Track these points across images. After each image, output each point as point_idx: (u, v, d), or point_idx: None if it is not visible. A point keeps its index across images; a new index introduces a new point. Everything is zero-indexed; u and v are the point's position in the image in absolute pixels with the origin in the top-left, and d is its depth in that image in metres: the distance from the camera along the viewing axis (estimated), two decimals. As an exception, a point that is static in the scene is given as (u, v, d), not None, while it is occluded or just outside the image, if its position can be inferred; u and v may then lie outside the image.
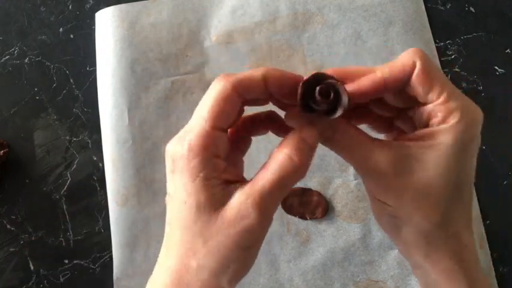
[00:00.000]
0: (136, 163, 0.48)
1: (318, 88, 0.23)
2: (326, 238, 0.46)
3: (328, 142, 0.25)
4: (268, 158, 0.24)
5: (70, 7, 0.55)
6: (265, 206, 0.23)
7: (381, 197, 0.25)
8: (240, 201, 0.23)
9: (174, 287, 0.24)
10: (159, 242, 0.46)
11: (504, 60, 0.50)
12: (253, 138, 0.29)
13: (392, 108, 0.27)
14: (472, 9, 0.52)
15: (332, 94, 0.23)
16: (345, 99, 0.23)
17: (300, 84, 0.23)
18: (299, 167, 0.23)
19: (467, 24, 0.52)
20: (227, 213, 0.23)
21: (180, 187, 0.24)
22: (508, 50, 0.51)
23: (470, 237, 0.26)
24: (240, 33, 0.51)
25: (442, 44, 0.50)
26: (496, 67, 0.50)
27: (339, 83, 0.23)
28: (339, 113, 0.23)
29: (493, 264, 0.46)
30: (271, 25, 0.51)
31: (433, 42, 0.50)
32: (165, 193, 0.50)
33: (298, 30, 0.50)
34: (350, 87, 0.24)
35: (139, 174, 0.48)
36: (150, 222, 0.48)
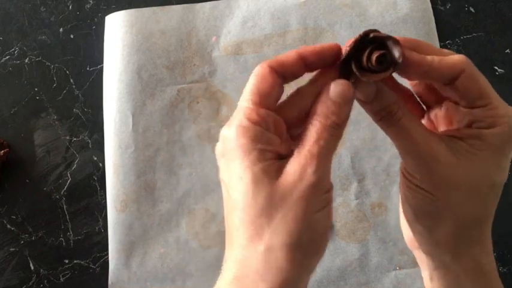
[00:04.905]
0: (137, 170, 0.48)
1: (370, 47, 0.23)
2: (323, 256, 0.46)
3: (389, 118, 0.25)
4: (306, 123, 0.24)
5: (70, 7, 0.55)
6: (319, 163, 0.23)
7: (428, 186, 0.25)
8: (294, 167, 0.23)
9: (238, 282, 0.23)
10: (156, 250, 0.47)
11: (504, 60, 0.50)
12: None
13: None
14: (472, 9, 0.52)
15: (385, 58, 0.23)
16: (397, 53, 0.23)
17: (351, 43, 0.23)
18: (338, 124, 0.24)
19: (467, 24, 0.52)
20: (285, 180, 0.23)
21: (233, 166, 0.23)
22: (508, 50, 0.51)
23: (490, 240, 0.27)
24: (249, 45, 0.51)
25: (442, 44, 0.50)
26: (495, 67, 0.50)
27: (391, 38, 0.23)
28: (395, 68, 0.23)
29: (493, 264, 0.46)
30: (280, 38, 0.51)
31: None
32: (164, 201, 0.50)
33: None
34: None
35: (140, 181, 0.48)
36: (149, 230, 0.47)
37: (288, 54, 0.25)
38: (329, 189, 0.24)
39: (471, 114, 0.25)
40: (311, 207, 0.23)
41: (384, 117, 0.25)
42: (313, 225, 0.23)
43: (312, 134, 0.24)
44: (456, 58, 0.24)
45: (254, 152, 0.23)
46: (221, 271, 0.25)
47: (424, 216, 0.26)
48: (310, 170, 0.23)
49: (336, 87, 0.24)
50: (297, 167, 0.23)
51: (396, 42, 0.23)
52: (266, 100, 0.24)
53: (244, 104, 0.24)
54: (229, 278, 0.23)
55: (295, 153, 0.24)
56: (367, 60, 0.23)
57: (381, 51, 0.23)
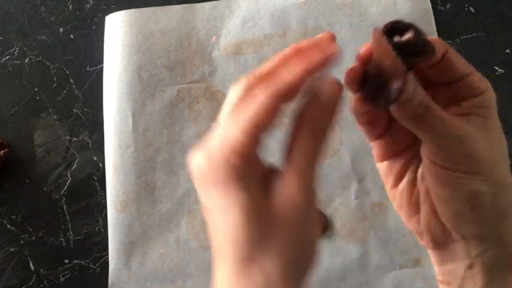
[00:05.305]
0: (137, 170, 0.48)
1: (412, 32, 0.22)
2: (323, 256, 0.46)
3: (426, 111, 0.24)
4: (293, 135, 0.23)
5: (70, 7, 0.55)
6: (309, 183, 0.22)
7: (471, 167, 0.24)
8: (284, 189, 0.22)
9: None
10: (156, 250, 0.47)
11: (504, 60, 0.50)
12: None
13: None
14: (471, 9, 0.52)
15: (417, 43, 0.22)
16: (431, 45, 0.22)
17: (384, 30, 0.22)
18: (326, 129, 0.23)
19: (467, 24, 0.52)
20: (276, 204, 0.22)
21: (216, 196, 0.22)
22: (508, 50, 0.51)
23: None
24: (249, 45, 0.51)
25: (442, 44, 0.51)
26: (495, 67, 0.50)
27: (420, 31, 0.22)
28: (429, 55, 0.23)
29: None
30: (280, 38, 0.51)
31: None
32: (164, 201, 0.50)
33: None
34: None
35: (140, 181, 0.48)
36: (149, 230, 0.48)
37: (294, 77, 0.23)
38: (315, 202, 0.23)
39: (463, 87, 0.25)
40: (303, 228, 0.22)
41: (422, 112, 0.24)
42: (307, 245, 0.23)
43: (300, 150, 0.22)
44: (436, 38, 0.24)
45: (241, 184, 0.21)
46: None
47: (474, 197, 0.24)
48: (300, 191, 0.22)
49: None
50: (287, 189, 0.22)
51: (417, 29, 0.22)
52: (261, 134, 0.22)
53: (236, 132, 0.22)
54: None
55: (286, 172, 0.22)
56: (405, 43, 0.22)
57: (412, 32, 0.22)
